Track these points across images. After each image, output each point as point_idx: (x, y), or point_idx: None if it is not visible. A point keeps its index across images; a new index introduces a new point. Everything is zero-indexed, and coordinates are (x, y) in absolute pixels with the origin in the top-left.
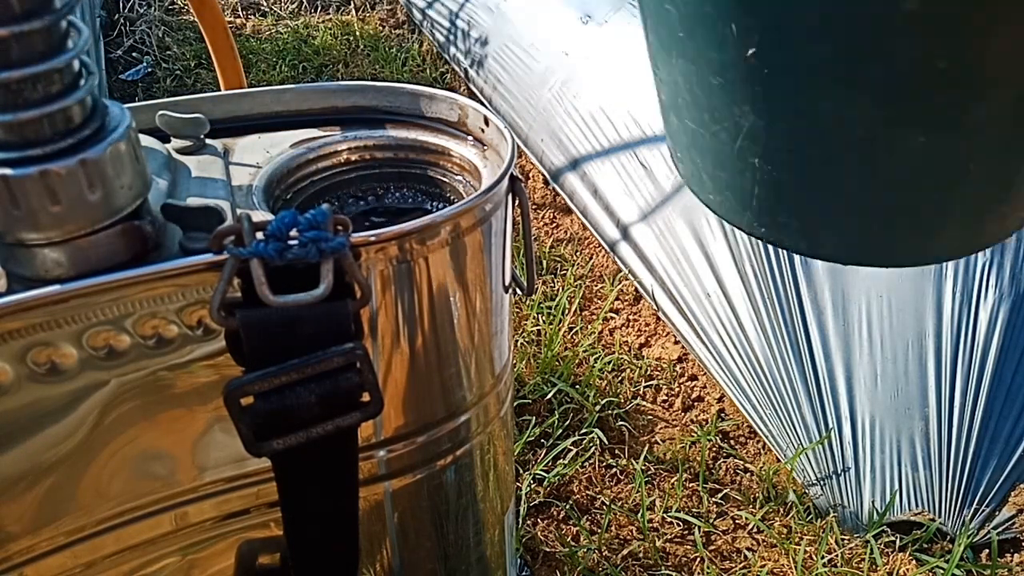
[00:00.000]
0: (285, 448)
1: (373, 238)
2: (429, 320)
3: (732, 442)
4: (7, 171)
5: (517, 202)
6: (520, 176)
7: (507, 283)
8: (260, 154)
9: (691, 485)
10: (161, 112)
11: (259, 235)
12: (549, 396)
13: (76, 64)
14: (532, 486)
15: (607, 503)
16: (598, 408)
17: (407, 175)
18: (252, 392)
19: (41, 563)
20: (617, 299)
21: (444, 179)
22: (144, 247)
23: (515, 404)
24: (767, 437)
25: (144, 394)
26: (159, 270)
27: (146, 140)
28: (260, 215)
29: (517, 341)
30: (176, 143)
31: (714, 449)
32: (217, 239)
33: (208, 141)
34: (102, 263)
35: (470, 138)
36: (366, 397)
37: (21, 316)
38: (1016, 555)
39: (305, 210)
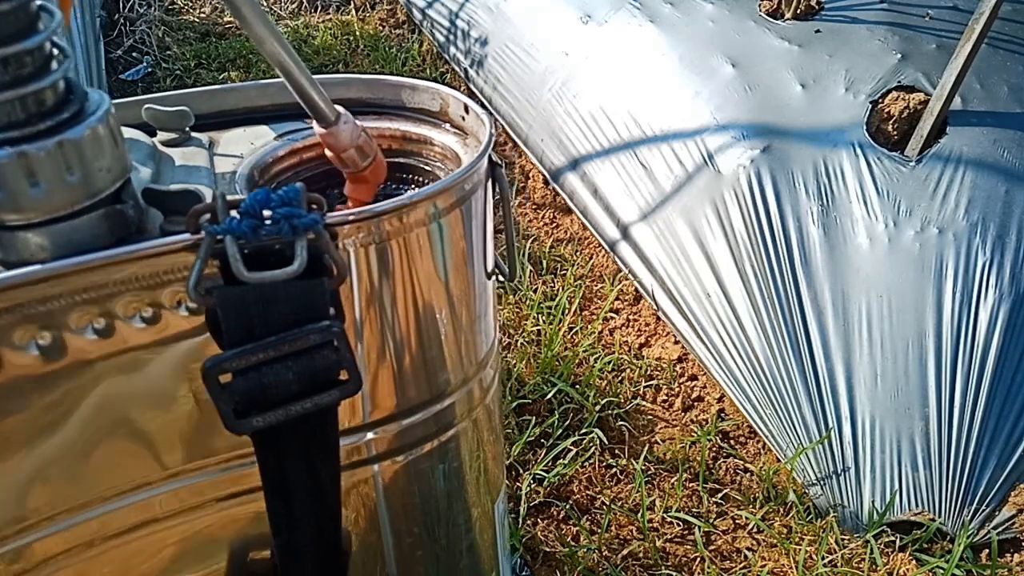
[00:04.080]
0: (265, 426)
1: (352, 217)
2: (410, 300)
3: (732, 442)
4: None
5: (497, 187)
6: (500, 162)
7: (490, 269)
8: (245, 145)
9: (691, 485)
10: (147, 106)
11: (233, 213)
12: (549, 396)
13: (47, 46)
14: (532, 486)
15: (607, 503)
16: (598, 408)
17: (390, 164)
18: (230, 369)
19: (35, 545)
20: (617, 299)
21: (426, 167)
22: (127, 231)
23: (515, 404)
24: (767, 437)
25: (127, 374)
26: (137, 250)
27: (132, 132)
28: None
29: (517, 341)
30: (162, 136)
31: (714, 449)
32: (193, 218)
33: (194, 134)
34: (85, 247)
35: (451, 127)
36: (344, 375)
37: (3, 297)
38: (1016, 555)
39: None
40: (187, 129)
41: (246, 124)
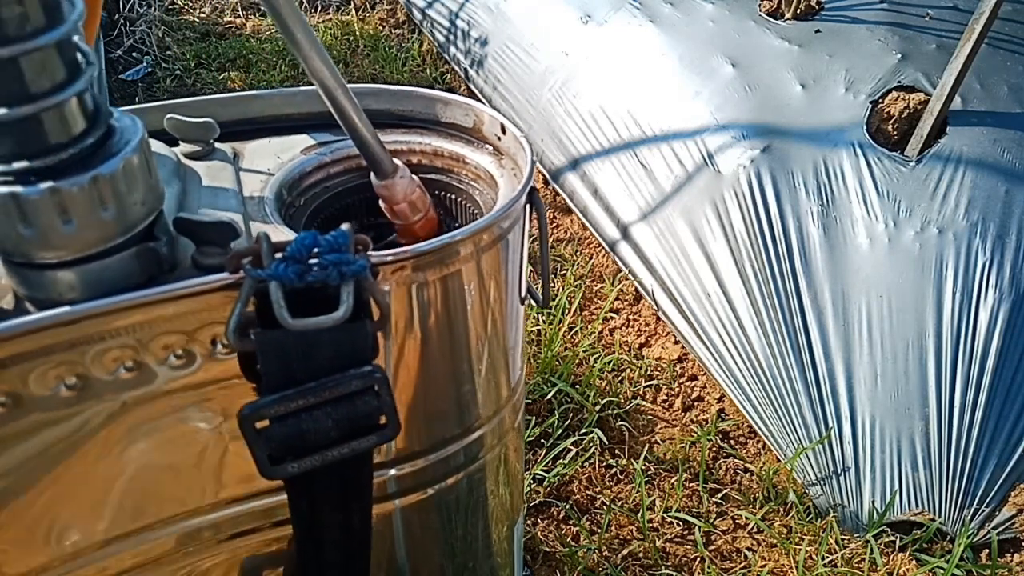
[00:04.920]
0: (300, 472)
1: (391, 258)
2: (447, 338)
3: (732, 442)
4: (17, 188)
5: (534, 213)
6: (536, 187)
7: (523, 295)
8: (271, 159)
9: (691, 485)
10: (170, 116)
11: (277, 255)
12: (549, 396)
13: (73, 46)
14: (532, 486)
15: (607, 503)
16: (598, 408)
17: (421, 181)
18: (268, 416)
19: None
20: (617, 299)
21: (459, 186)
22: (160, 269)
23: None
24: (767, 437)
25: (155, 414)
26: (173, 290)
27: (154, 145)
28: (274, 228)
29: None
30: (184, 147)
31: (714, 449)
32: (234, 260)
33: (217, 145)
34: (117, 285)
35: (486, 145)
36: (383, 420)
37: (33, 337)
38: (1016, 555)
39: (317, 215)
40: (211, 140)
41: (271, 134)
